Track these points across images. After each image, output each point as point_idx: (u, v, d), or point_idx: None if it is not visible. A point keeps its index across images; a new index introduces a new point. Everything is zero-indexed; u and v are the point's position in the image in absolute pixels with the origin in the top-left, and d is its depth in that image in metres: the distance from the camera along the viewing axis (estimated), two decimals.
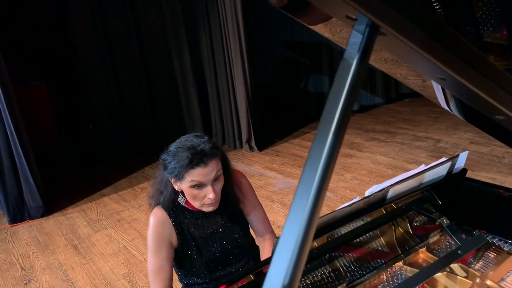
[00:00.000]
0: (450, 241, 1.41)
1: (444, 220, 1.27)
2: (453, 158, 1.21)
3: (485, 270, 1.32)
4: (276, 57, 6.78)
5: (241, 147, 5.44)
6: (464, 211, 1.42)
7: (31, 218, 4.14)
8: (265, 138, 5.57)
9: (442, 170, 1.19)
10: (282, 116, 6.56)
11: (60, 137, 5.87)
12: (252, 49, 5.25)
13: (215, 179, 1.49)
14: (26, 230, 3.97)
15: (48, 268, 3.27)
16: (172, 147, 1.52)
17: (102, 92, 5.46)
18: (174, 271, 1.76)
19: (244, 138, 5.32)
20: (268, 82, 6.94)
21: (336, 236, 1.34)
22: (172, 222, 1.59)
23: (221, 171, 1.51)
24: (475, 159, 4.16)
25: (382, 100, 6.71)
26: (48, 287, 3.02)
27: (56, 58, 5.86)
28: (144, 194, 4.44)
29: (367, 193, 1.05)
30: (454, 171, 1.24)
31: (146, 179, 4.85)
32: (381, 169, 4.28)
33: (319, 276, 1.29)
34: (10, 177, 4.00)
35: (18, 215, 4.10)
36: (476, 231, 1.32)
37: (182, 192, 1.55)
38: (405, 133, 5.27)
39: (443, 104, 0.94)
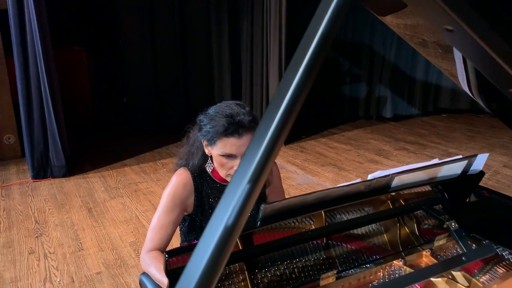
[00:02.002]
0: (458, 249, 1.34)
1: (453, 223, 1.20)
2: (470, 157, 1.13)
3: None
4: None
5: None
6: (478, 220, 1.34)
7: (53, 176, 4.24)
8: (292, 132, 5.51)
9: (457, 168, 1.12)
10: (313, 114, 6.47)
11: (93, 104, 5.99)
12: (291, 42, 5.19)
13: None
14: (46, 187, 4.07)
15: (61, 225, 3.34)
16: (211, 110, 1.48)
17: (139, 67, 5.53)
18: (180, 238, 1.75)
19: None
20: None
21: (336, 221, 1.29)
22: (194, 187, 1.56)
23: None
24: (506, 183, 3.98)
25: (418, 112, 6.52)
26: (57, 243, 3.08)
27: (100, 27, 5.98)
28: (165, 169, 4.48)
29: (370, 177, 0.99)
30: (470, 172, 1.16)
31: (168, 156, 4.89)
32: None
33: (311, 261, 1.25)
34: (39, 134, 4.10)
35: (41, 171, 4.21)
36: (486, 241, 1.24)
37: (211, 157, 1.52)
38: (436, 147, 5.09)
39: (464, 86, 0.87)
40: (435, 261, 1.30)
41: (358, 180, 0.98)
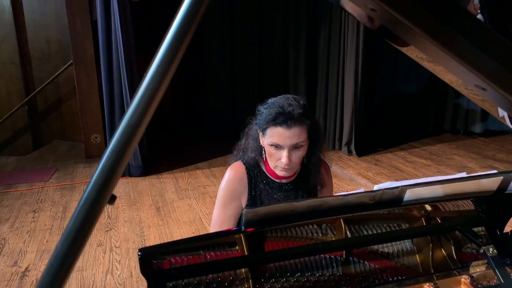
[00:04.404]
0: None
1: (491, 249, 1.05)
2: (508, 173, 0.98)
3: None
4: (400, 63, 6.38)
5: (340, 149, 5.25)
6: None
7: (130, 175, 4.51)
8: (368, 144, 5.30)
9: (490, 185, 0.97)
10: (393, 126, 6.17)
11: (175, 108, 6.29)
12: (369, 50, 5.02)
13: (295, 147, 1.46)
14: (123, 184, 4.34)
15: (129, 222, 3.53)
16: (270, 100, 1.53)
17: (219, 75, 5.75)
18: None
19: (345, 140, 5.12)
20: (386, 88, 6.57)
21: (359, 235, 1.20)
22: (248, 181, 1.57)
23: (304, 142, 1.47)
24: None
25: None
26: (124, 238, 3.26)
27: None
28: None
29: (375, 188, 0.90)
30: (509, 191, 1.01)
31: None
32: None
33: (326, 277, 1.17)
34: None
35: None
36: None
37: (264, 148, 1.54)
38: None
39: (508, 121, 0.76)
40: None
41: (362, 190, 0.90)
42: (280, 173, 1.52)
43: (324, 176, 1.66)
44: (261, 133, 1.51)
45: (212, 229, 1.59)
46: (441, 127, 6.12)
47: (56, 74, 5.26)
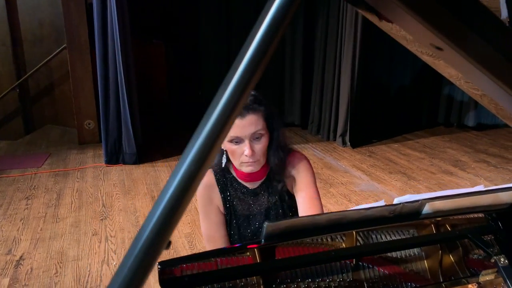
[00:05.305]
0: None
1: (502, 259, 1.05)
2: None
3: None
4: (395, 56, 6.37)
5: (334, 140, 5.25)
6: None
7: (124, 163, 4.47)
8: (362, 136, 5.31)
9: (506, 198, 0.98)
10: (387, 118, 6.19)
11: (170, 96, 6.23)
12: (366, 43, 4.99)
13: (255, 138, 1.42)
14: (117, 172, 4.31)
15: (124, 210, 3.51)
16: None
17: (214, 62, 5.70)
18: None
19: (339, 131, 5.13)
20: (382, 80, 6.57)
21: (369, 242, 1.20)
22: (219, 188, 1.56)
23: (263, 130, 1.42)
24: None
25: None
26: (119, 227, 3.24)
27: (180, 22, 6.16)
28: None
29: (396, 201, 0.90)
30: None
31: None
32: None
33: (336, 282, 1.17)
34: (113, 122, 4.35)
35: (114, 157, 4.46)
36: None
37: (227, 152, 1.49)
38: None
39: None
40: None
41: (382, 202, 0.89)
42: (246, 169, 1.46)
43: (294, 168, 1.54)
44: None
45: (206, 241, 1.58)
46: (435, 120, 6.15)
47: (49, 57, 5.17)
